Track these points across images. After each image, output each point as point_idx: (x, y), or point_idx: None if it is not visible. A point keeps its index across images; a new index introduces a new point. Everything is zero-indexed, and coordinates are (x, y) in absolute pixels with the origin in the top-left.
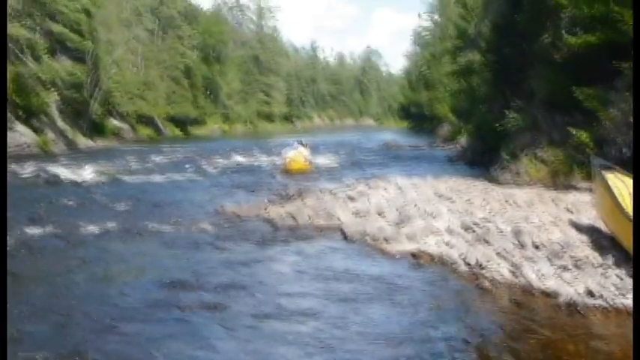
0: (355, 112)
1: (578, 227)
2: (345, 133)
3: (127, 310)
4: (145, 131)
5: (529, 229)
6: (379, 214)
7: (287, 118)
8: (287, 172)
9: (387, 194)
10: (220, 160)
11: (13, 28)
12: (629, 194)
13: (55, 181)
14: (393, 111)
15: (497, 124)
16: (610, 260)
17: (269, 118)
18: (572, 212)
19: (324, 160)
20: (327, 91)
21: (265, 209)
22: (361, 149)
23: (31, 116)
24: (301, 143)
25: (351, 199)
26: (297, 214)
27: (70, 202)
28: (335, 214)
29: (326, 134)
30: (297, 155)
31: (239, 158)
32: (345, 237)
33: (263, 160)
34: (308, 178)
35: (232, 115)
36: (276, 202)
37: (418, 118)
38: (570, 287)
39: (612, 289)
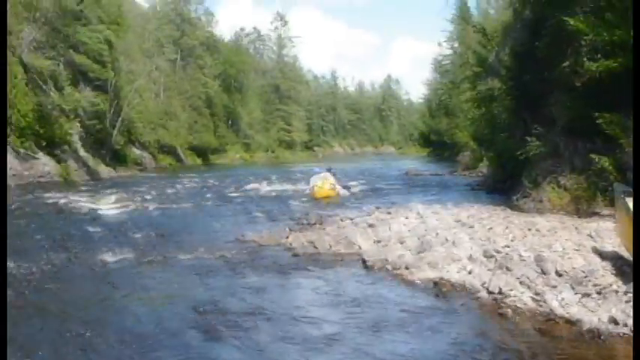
0: (375, 140)
1: (601, 254)
2: (365, 160)
3: (148, 336)
4: (166, 160)
5: (551, 256)
6: (400, 242)
7: (308, 146)
8: (314, 198)
9: (408, 222)
10: (241, 189)
11: (37, 60)
12: None
13: (76, 210)
14: (414, 139)
15: (518, 151)
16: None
17: (290, 146)
18: (594, 239)
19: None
20: (348, 119)
21: (286, 237)
22: (382, 177)
23: (53, 146)
24: (329, 171)
25: (372, 226)
26: (318, 242)
27: (93, 231)
28: (355, 242)
29: (346, 162)
30: (323, 182)
31: (260, 186)
32: (365, 265)
33: (284, 188)
34: (332, 205)
35: (253, 144)
36: (297, 230)
37: (439, 146)
38: (594, 315)
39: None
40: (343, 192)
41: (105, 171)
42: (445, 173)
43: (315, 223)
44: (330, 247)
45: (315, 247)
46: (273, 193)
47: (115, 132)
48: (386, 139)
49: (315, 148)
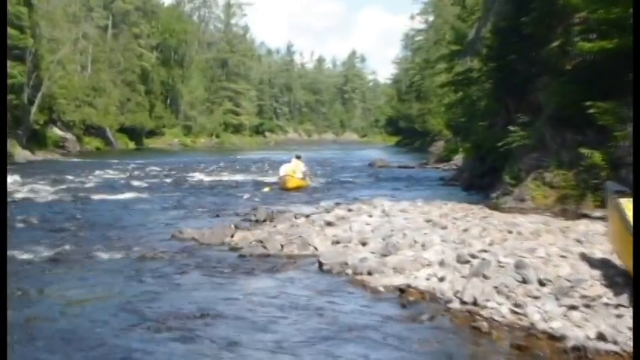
0: (336, 126)
1: (590, 261)
2: (324, 149)
3: (64, 343)
4: (93, 143)
5: (534, 262)
6: (362, 244)
7: (258, 131)
8: (284, 189)
9: (372, 221)
10: (179, 177)
11: None
12: None
13: None
14: (380, 125)
15: (499, 143)
16: (625, 299)
17: (237, 130)
18: (583, 244)
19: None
20: (305, 101)
21: (231, 235)
22: (343, 168)
23: None
24: (298, 158)
25: (330, 225)
26: (268, 242)
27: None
28: (311, 243)
29: (302, 150)
30: (294, 171)
31: (201, 176)
32: (322, 268)
33: (230, 178)
34: (284, 198)
35: (195, 127)
36: (244, 227)
37: (408, 134)
38: (579, 330)
39: (627, 332)
40: (316, 181)
41: (21, 154)
42: (415, 165)
43: (264, 220)
44: (282, 247)
45: (265, 248)
46: (217, 185)
47: (33, 109)
48: (348, 126)
49: (267, 134)
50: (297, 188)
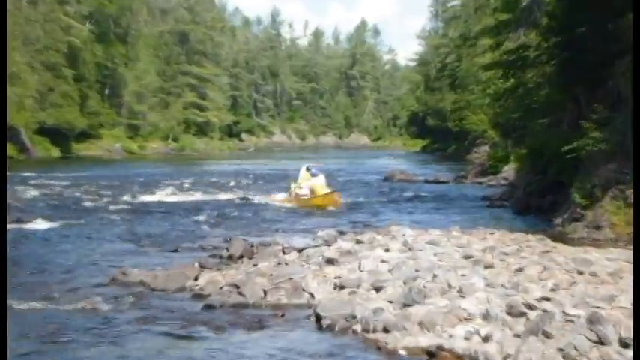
0: (339, 125)
1: None
2: (322, 157)
3: None
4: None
5: (613, 315)
6: (376, 289)
7: (231, 133)
8: (310, 206)
9: (389, 256)
10: (121, 199)
11: None
12: None
13: None
14: (400, 124)
15: (565, 147)
16: None
17: (203, 131)
18: None
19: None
20: (296, 91)
21: (194, 277)
22: (349, 184)
23: None
24: (308, 169)
25: (332, 262)
26: (245, 286)
27: None
28: (305, 288)
29: (292, 160)
30: (320, 184)
31: (152, 196)
32: (320, 324)
33: (191, 199)
34: (265, 225)
35: (144, 127)
36: (212, 265)
37: (439, 136)
38: None
39: None
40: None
41: None
42: (449, 180)
43: (241, 256)
44: (265, 294)
45: (241, 295)
46: (175, 208)
47: None
48: (356, 125)
49: (244, 136)
50: (325, 205)
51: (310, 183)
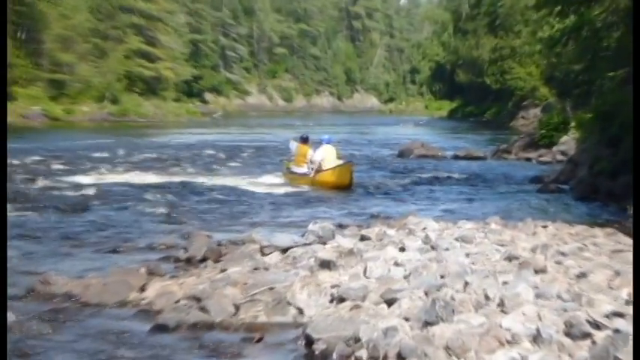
0: (338, 82)
1: None
2: (316, 124)
3: None
4: None
5: None
6: (387, 302)
7: (191, 93)
8: (319, 184)
9: (405, 257)
10: (42, 182)
11: None
12: None
13: None
14: (421, 80)
15: None
16: None
17: (151, 90)
18: None
19: (272, 181)
20: (280, 34)
21: (140, 288)
22: (352, 160)
23: None
24: (304, 141)
25: (327, 266)
26: (210, 300)
27: None
28: (291, 300)
29: (274, 128)
30: (330, 157)
31: (83, 177)
32: (311, 350)
33: (137, 180)
34: (237, 215)
35: (72, 85)
36: (165, 272)
37: (473, 96)
38: None
39: None
40: None
41: None
42: (486, 155)
43: (204, 259)
44: (237, 310)
45: (205, 311)
46: (114, 194)
47: None
48: (361, 81)
49: (209, 97)
50: (339, 185)
51: (317, 156)
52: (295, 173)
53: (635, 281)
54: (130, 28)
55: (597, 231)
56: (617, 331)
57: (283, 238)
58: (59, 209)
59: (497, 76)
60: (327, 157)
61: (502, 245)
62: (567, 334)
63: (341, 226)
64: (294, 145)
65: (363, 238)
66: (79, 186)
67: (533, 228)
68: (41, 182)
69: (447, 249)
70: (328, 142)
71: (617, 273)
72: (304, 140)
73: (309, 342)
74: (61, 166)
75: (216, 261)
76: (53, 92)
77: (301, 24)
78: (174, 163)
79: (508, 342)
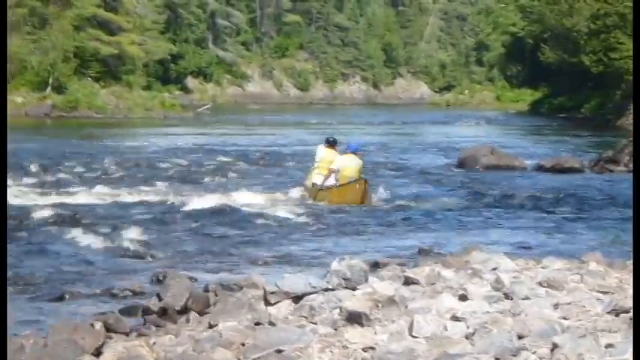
0: (374, 63)
1: None
2: (344, 123)
3: None
4: None
5: None
6: None
7: (167, 79)
8: (341, 201)
9: (467, 309)
10: None
11: None
12: None
13: None
14: (491, 60)
15: None
16: None
17: (112, 74)
18: None
19: (282, 200)
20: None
21: (96, 350)
22: (393, 172)
23: None
24: (331, 144)
25: (358, 321)
26: None
27: None
28: None
29: (285, 128)
30: (358, 170)
31: (16, 199)
32: None
33: (88, 201)
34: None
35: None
36: (129, 327)
37: (565, 84)
38: None
39: None
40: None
41: None
42: (584, 165)
43: (185, 309)
44: None
45: None
46: (60, 218)
47: None
48: (407, 62)
49: (192, 84)
50: (365, 204)
51: (337, 164)
52: (317, 186)
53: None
54: None
55: None
56: None
57: (296, 282)
58: None
59: (599, 54)
60: (345, 169)
61: (606, 293)
62: None
63: (377, 265)
64: (320, 151)
65: (407, 282)
66: (7, 207)
67: None
68: None
69: (526, 297)
70: (355, 150)
71: None
72: (330, 144)
73: None
74: None
75: (202, 313)
76: None
77: None
78: (144, 176)
79: None
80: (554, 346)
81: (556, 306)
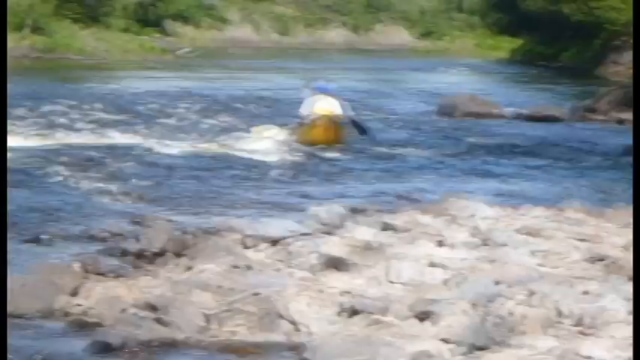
0: (354, 9)
1: None
2: (325, 69)
3: None
4: None
5: None
6: (419, 316)
7: (147, 20)
8: (309, 142)
9: (445, 255)
10: None
11: None
12: None
13: None
14: (472, 6)
15: None
16: None
17: (92, 17)
18: None
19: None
20: None
21: (71, 291)
22: (374, 119)
23: None
24: (324, 90)
25: (336, 266)
26: (172, 310)
27: None
28: (285, 312)
29: (264, 72)
30: (331, 110)
31: None
32: None
33: (70, 141)
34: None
35: None
36: (108, 269)
37: (544, 31)
38: None
39: None
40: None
41: None
42: (563, 114)
43: (164, 252)
44: (209, 323)
45: (164, 325)
46: (39, 161)
47: None
48: (387, 8)
49: (171, 26)
50: (334, 143)
51: (315, 104)
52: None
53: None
54: None
55: None
56: None
57: (274, 226)
58: None
59: (578, 2)
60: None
61: (583, 240)
62: None
63: (355, 210)
64: (306, 99)
65: (385, 228)
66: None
67: (627, 217)
68: None
69: (504, 244)
70: (324, 90)
71: None
72: (322, 89)
73: None
74: None
75: (180, 255)
76: None
77: None
78: (124, 119)
79: None
80: (531, 293)
81: (533, 253)
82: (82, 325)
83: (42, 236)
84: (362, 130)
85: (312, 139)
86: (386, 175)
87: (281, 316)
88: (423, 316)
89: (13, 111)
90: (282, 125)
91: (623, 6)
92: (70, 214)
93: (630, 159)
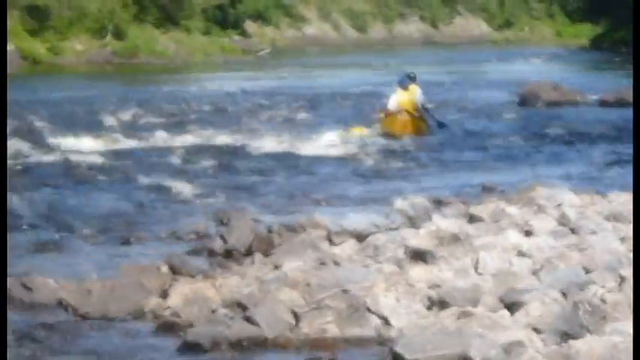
0: (431, 3)
1: None
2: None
3: None
4: None
5: None
6: (508, 307)
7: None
8: (390, 133)
9: (531, 244)
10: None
11: None
12: None
13: None
14: None
15: None
16: None
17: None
18: None
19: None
20: None
21: (161, 292)
22: (454, 109)
23: None
24: (411, 78)
25: (422, 258)
26: (260, 308)
27: None
28: (373, 307)
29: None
30: (409, 101)
31: (80, 143)
32: None
33: (157, 144)
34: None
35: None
36: (195, 269)
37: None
38: None
39: None
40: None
41: None
42: None
43: (250, 251)
44: (298, 321)
45: (252, 323)
46: (127, 164)
47: None
48: (465, 0)
49: (250, 27)
50: (415, 134)
51: (396, 99)
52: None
53: (635, 280)
54: None
55: None
56: None
57: (359, 221)
58: (46, 185)
59: None
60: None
61: None
62: None
63: (440, 203)
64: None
65: (472, 219)
66: (74, 153)
67: None
68: (19, 147)
69: (592, 232)
70: (406, 83)
71: None
72: (411, 78)
73: None
74: (47, 126)
75: (267, 254)
76: (32, 24)
77: None
78: (208, 120)
79: None
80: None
81: (623, 240)
82: (172, 326)
83: (131, 239)
84: (440, 123)
85: (397, 130)
86: (470, 166)
87: (370, 311)
88: (512, 307)
89: (98, 116)
90: (369, 123)
91: None
92: (158, 215)
93: None
